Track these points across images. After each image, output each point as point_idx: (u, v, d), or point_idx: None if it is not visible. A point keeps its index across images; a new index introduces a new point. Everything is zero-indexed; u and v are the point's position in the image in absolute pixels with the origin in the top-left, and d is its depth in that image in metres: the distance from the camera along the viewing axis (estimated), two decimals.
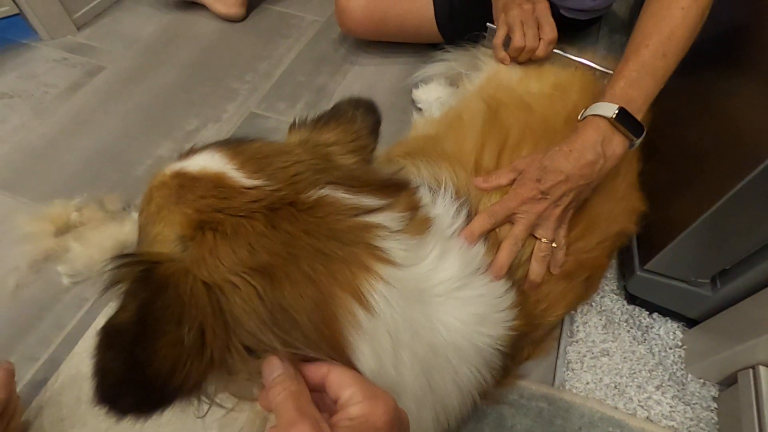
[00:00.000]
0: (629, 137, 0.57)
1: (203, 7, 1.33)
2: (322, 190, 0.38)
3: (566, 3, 1.10)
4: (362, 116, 0.50)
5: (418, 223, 0.43)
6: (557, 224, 0.56)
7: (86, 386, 0.71)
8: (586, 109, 0.59)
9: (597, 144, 0.56)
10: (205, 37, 1.29)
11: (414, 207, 0.44)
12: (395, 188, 0.43)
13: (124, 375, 0.30)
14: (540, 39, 0.83)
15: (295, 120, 0.48)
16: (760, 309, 0.64)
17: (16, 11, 1.16)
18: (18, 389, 0.66)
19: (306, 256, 0.35)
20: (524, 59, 0.84)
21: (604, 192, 0.62)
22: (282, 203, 0.36)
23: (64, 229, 0.85)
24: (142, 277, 0.32)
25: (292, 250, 0.35)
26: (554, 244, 0.57)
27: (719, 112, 0.64)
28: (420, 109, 1.09)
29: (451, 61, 1.02)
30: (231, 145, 0.41)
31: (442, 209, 0.49)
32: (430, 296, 0.41)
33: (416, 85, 1.10)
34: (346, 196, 0.39)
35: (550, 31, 0.84)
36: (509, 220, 0.55)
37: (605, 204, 0.63)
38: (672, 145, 0.73)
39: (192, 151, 0.42)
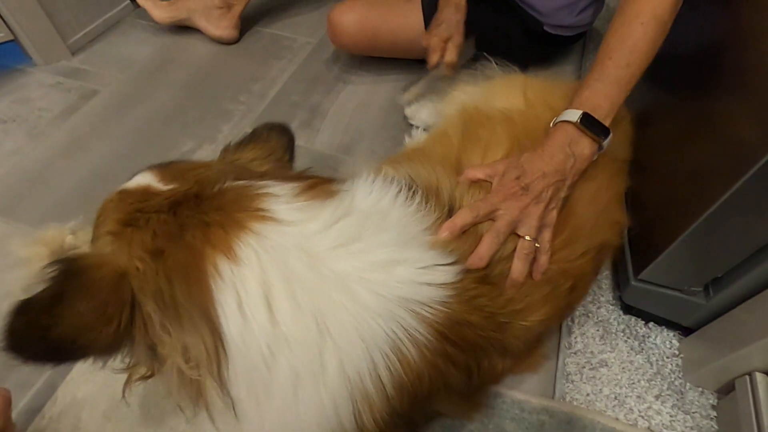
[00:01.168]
0: (596, 139, 0.61)
1: (197, 30, 1.35)
2: (226, 183, 0.45)
3: (549, 20, 1.14)
4: (276, 136, 0.57)
5: (318, 192, 0.47)
6: (540, 222, 0.57)
7: (83, 413, 0.70)
8: (556, 117, 0.64)
9: (565, 145, 0.60)
10: (199, 60, 1.31)
11: (321, 183, 0.49)
12: (302, 179, 0.49)
13: (27, 333, 0.37)
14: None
15: (226, 145, 0.57)
16: (753, 316, 0.65)
17: (11, 37, 1.17)
18: (13, 417, 0.65)
19: (191, 229, 0.41)
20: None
21: (587, 203, 0.64)
22: (187, 197, 0.43)
23: (59, 253, 0.85)
24: (64, 268, 0.39)
25: (183, 228, 0.41)
26: (537, 244, 0.57)
27: (706, 127, 0.66)
28: (413, 126, 1.11)
29: (443, 77, 1.04)
30: (161, 165, 0.49)
31: (372, 188, 0.52)
32: (319, 248, 0.43)
33: (408, 103, 1.12)
34: (247, 183, 0.45)
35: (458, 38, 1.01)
36: (491, 217, 0.56)
37: (588, 215, 0.63)
38: (662, 159, 0.74)
39: (136, 173, 0.50)
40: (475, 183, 0.59)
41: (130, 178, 0.49)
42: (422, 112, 1.09)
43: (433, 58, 1.00)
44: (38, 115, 1.13)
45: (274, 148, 0.56)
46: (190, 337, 0.40)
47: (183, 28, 1.36)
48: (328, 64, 1.31)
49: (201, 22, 1.32)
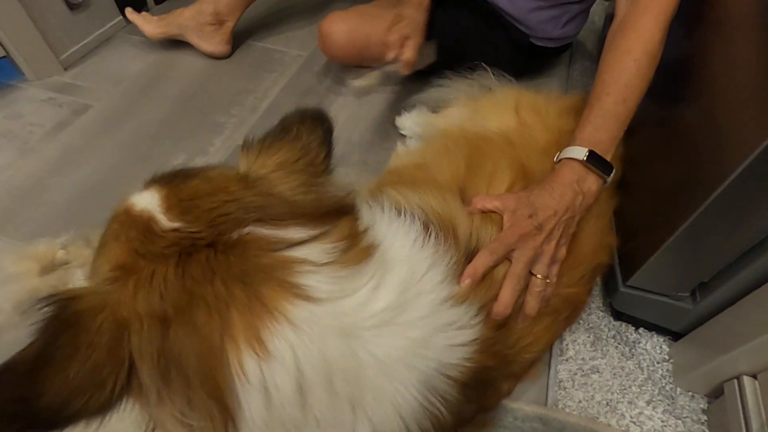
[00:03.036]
0: (601, 176, 0.62)
1: (188, 44, 1.37)
2: (246, 229, 0.38)
3: (536, 33, 1.16)
4: (308, 130, 0.49)
5: (357, 253, 0.42)
6: (551, 260, 0.59)
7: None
8: (560, 152, 0.65)
9: (573, 183, 0.61)
10: (191, 74, 1.32)
11: (354, 234, 0.43)
12: (335, 214, 0.43)
13: (6, 408, 0.32)
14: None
15: (245, 140, 0.48)
16: (739, 320, 0.66)
17: (3, 54, 1.18)
18: None
19: (204, 306, 0.35)
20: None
21: (586, 230, 0.65)
22: (199, 246, 0.37)
23: (50, 268, 0.85)
24: (56, 314, 0.34)
25: (193, 298, 0.35)
26: (548, 280, 0.59)
27: (684, 138, 0.68)
28: (404, 136, 1.12)
29: (437, 87, 1.06)
30: (172, 183, 0.42)
31: (396, 233, 0.47)
32: (359, 329, 0.39)
33: (399, 113, 1.13)
34: (272, 231, 0.39)
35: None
36: (507, 257, 0.56)
37: (587, 241, 0.65)
38: (645, 168, 0.76)
39: (150, 182, 0.44)
40: (486, 215, 0.59)
41: (146, 185, 0.43)
42: (414, 123, 1.10)
43: (390, 54, 0.95)
44: (30, 130, 1.13)
45: (306, 148, 0.47)
46: (195, 415, 0.36)
47: (174, 42, 1.38)
48: (320, 76, 1.32)
49: (193, 39, 1.33)
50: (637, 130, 0.67)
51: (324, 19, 1.19)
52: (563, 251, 0.61)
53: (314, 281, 0.38)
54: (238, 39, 1.41)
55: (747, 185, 0.55)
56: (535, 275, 0.57)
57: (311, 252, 0.39)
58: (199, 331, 0.35)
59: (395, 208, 0.51)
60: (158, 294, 0.35)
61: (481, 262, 0.53)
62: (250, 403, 0.35)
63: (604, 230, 0.70)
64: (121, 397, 0.35)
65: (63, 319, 0.34)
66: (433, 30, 1.10)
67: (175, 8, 1.35)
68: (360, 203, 0.49)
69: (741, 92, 0.59)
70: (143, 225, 0.38)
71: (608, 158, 0.63)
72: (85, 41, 1.34)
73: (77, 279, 0.81)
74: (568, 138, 0.72)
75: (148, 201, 0.40)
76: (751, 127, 0.54)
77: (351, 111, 1.22)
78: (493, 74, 1.05)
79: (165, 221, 0.38)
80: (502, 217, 0.59)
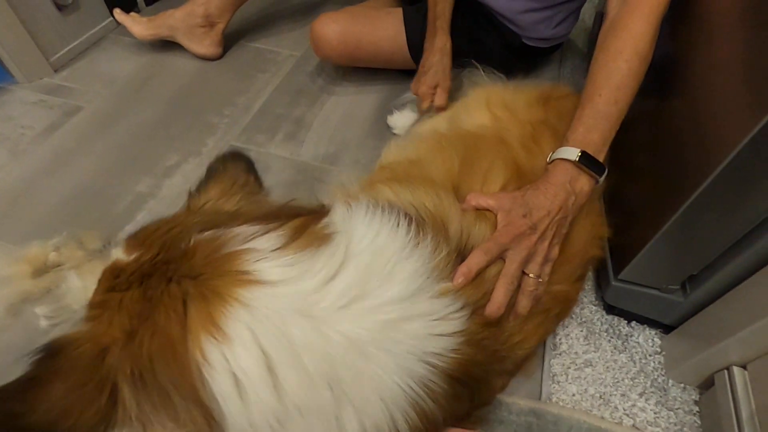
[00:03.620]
0: (593, 176, 0.63)
1: (179, 46, 1.36)
2: (192, 239, 0.41)
3: (528, 33, 1.17)
4: (231, 164, 0.55)
5: (308, 238, 0.43)
6: (544, 260, 0.59)
7: None
8: (553, 152, 0.65)
9: (566, 183, 0.61)
10: (182, 75, 1.31)
11: (304, 225, 0.44)
12: (285, 216, 0.45)
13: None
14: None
15: (189, 191, 0.54)
16: (728, 311, 0.67)
17: None
18: None
19: (162, 306, 0.38)
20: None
21: (578, 226, 0.66)
22: (155, 265, 0.40)
23: (42, 271, 0.84)
24: (44, 349, 0.38)
25: (152, 304, 0.38)
26: (540, 279, 0.59)
27: (670, 135, 0.69)
28: (396, 135, 1.13)
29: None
30: (133, 235, 0.46)
31: (363, 224, 0.48)
32: (321, 309, 0.40)
33: (391, 112, 1.14)
34: (217, 234, 0.42)
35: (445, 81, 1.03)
36: (501, 256, 0.57)
37: (579, 237, 0.66)
38: (635, 162, 0.77)
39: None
40: (479, 213, 0.59)
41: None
42: (405, 121, 1.11)
43: (424, 105, 1.02)
44: (21, 132, 1.12)
45: (235, 176, 0.53)
46: (178, 423, 0.37)
47: (165, 43, 1.37)
48: (312, 76, 1.32)
49: (184, 41, 1.33)
50: (625, 126, 0.67)
51: (316, 20, 1.19)
52: (556, 251, 0.61)
53: (263, 266, 0.39)
54: (230, 40, 1.40)
55: (732, 179, 0.56)
56: (528, 275, 0.58)
57: (258, 242, 0.41)
58: (161, 330, 0.37)
59: (371, 204, 0.51)
60: (127, 314, 0.38)
61: (474, 262, 0.53)
62: (224, 395, 0.36)
63: (595, 224, 0.70)
64: (109, 416, 0.37)
65: (49, 351, 0.37)
66: (425, 32, 1.11)
67: (166, 9, 1.35)
68: (331, 204, 0.52)
69: (723, 89, 0.60)
70: (110, 268, 0.42)
71: (600, 158, 0.64)
72: (75, 43, 1.33)
73: (70, 281, 0.81)
74: (542, 129, 0.73)
75: (114, 254, 0.44)
76: (733, 123, 0.55)
77: (344, 110, 1.23)
78: (484, 71, 1.06)
79: (125, 257, 0.42)
80: (495, 216, 0.59)
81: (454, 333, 0.47)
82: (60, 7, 1.26)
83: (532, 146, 0.69)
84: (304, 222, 0.44)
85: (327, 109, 1.22)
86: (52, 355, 0.37)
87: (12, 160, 1.06)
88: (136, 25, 1.31)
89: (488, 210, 0.60)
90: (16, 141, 1.11)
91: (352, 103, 1.25)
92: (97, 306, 0.41)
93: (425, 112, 1.03)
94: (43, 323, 0.79)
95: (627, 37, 0.67)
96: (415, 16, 1.15)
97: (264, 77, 1.32)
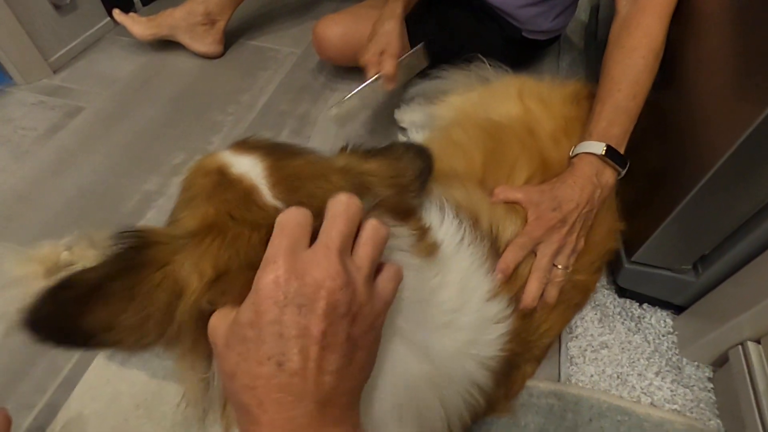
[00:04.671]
0: (617, 169, 0.65)
1: (179, 45, 1.36)
2: None
3: (527, 26, 1.19)
4: (410, 158, 0.49)
5: (426, 246, 0.43)
6: (572, 252, 0.61)
7: (89, 428, 0.68)
8: (575, 147, 0.67)
9: (593, 176, 0.63)
10: (184, 74, 1.31)
11: (423, 230, 0.44)
12: (406, 214, 0.44)
13: (48, 317, 0.32)
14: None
15: (346, 145, 0.47)
16: (740, 288, 0.69)
17: None
18: None
19: None
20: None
21: (597, 219, 0.67)
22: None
23: (55, 270, 0.83)
24: (127, 250, 0.33)
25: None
26: (567, 270, 0.61)
27: (679, 120, 0.71)
28: (403, 129, 1.13)
29: (434, 80, 1.07)
30: (276, 156, 0.40)
31: (447, 232, 0.49)
32: (427, 325, 0.41)
33: (398, 106, 1.15)
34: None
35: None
36: (533, 250, 0.58)
37: (595, 229, 0.67)
38: (645, 149, 0.78)
39: (244, 146, 0.41)
40: (508, 206, 0.60)
41: (237, 149, 0.41)
42: (413, 115, 1.12)
43: (370, 73, 0.93)
44: (22, 134, 1.11)
45: (403, 171, 0.47)
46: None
47: (164, 43, 1.36)
48: (314, 73, 1.33)
49: (185, 39, 1.32)
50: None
51: (318, 22, 1.19)
52: (582, 242, 0.63)
53: (398, 258, 0.38)
54: (229, 38, 1.40)
55: (741, 161, 0.58)
56: (557, 266, 0.60)
57: (400, 240, 0.40)
58: None
59: (439, 205, 0.51)
60: (234, 251, 0.34)
61: (512, 257, 0.55)
62: None
63: (611, 217, 0.71)
64: (157, 345, 0.34)
65: (131, 259, 0.33)
66: (427, 28, 1.12)
67: (162, 9, 1.34)
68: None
69: (731, 77, 0.61)
70: (243, 192, 0.36)
71: (621, 151, 0.66)
72: (73, 43, 1.32)
73: None
74: (574, 125, 0.74)
75: (249, 168, 0.38)
76: (740, 111, 0.57)
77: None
78: (490, 65, 1.07)
79: (269, 196, 0.36)
80: (523, 209, 0.60)
81: (505, 333, 0.49)
82: (57, 7, 1.24)
83: (562, 139, 0.70)
84: (420, 227, 0.43)
85: (331, 105, 1.23)
86: (130, 271, 0.33)
87: (14, 162, 1.05)
88: (136, 25, 1.30)
89: (516, 203, 0.61)
90: (17, 143, 1.09)
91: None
92: (208, 227, 0.34)
93: (372, 80, 0.93)
94: None
95: (641, 35, 0.69)
96: (415, 14, 1.16)
97: (266, 75, 1.32)
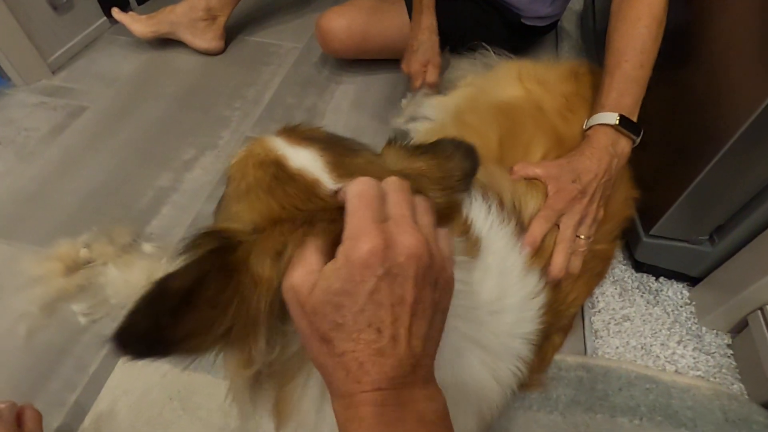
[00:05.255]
0: (632, 138, 0.66)
1: (179, 43, 1.34)
2: None
3: (526, 13, 1.21)
4: (460, 158, 0.47)
5: (471, 245, 0.45)
6: (593, 221, 0.63)
7: (123, 423, 0.68)
8: (589, 119, 0.68)
9: (608, 146, 0.64)
10: (186, 71, 1.30)
11: (466, 229, 0.46)
12: (452, 212, 0.45)
13: (144, 332, 0.31)
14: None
15: (391, 138, 0.46)
16: (757, 255, 0.71)
17: None
18: None
19: None
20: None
21: (611, 193, 0.69)
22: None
23: (74, 268, 0.82)
24: (214, 254, 0.32)
25: None
26: (589, 239, 0.62)
27: (694, 95, 0.73)
28: (409, 118, 1.14)
29: (443, 69, 1.08)
30: (336, 151, 0.39)
31: (482, 219, 0.50)
32: (477, 318, 0.43)
33: (405, 95, 1.15)
34: None
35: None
36: (557, 222, 0.60)
37: (612, 198, 0.68)
38: (661, 125, 0.80)
39: (297, 136, 0.40)
40: (529, 182, 0.61)
41: (289, 136, 0.40)
42: (418, 104, 1.12)
43: (417, 83, 1.02)
44: (26, 135, 1.09)
45: (452, 172, 0.46)
46: None
47: (163, 41, 1.35)
48: (318, 66, 1.33)
49: (186, 36, 1.31)
50: (651, 89, 0.71)
51: (322, 15, 1.20)
52: (602, 212, 0.64)
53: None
54: (229, 35, 1.39)
55: (757, 131, 0.60)
56: (579, 236, 0.61)
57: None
58: None
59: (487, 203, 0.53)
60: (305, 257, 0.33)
61: (538, 230, 0.56)
62: None
63: (626, 185, 0.74)
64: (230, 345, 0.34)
65: (217, 263, 0.32)
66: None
67: (156, 7, 1.33)
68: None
69: (733, 55, 0.64)
70: (306, 186, 0.36)
71: (634, 120, 0.67)
72: (71, 43, 1.30)
73: (109, 273, 0.79)
74: (576, 100, 0.76)
75: (310, 163, 0.37)
76: (755, 85, 0.59)
77: (353, 98, 1.24)
78: (494, 53, 1.09)
79: (330, 186, 0.36)
80: (543, 184, 0.62)
81: (543, 305, 0.51)
82: (54, 7, 1.22)
83: (569, 115, 0.71)
84: (464, 226, 0.45)
85: (337, 98, 1.23)
86: (218, 275, 0.32)
87: (20, 163, 1.03)
88: (136, 23, 1.29)
89: (536, 179, 0.62)
90: (21, 144, 1.07)
91: (361, 90, 1.26)
92: (274, 222, 0.34)
93: (417, 90, 1.03)
94: (82, 320, 0.77)
95: (642, 5, 0.70)
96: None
97: (269, 69, 1.31)
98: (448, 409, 0.31)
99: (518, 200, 0.59)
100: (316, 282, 0.30)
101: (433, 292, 0.31)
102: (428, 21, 1.03)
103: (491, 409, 0.48)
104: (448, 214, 0.42)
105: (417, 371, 0.30)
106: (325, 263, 0.31)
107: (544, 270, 0.56)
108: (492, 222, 0.51)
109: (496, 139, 0.70)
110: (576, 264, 0.60)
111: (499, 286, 0.47)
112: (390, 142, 0.46)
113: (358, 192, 0.31)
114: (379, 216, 0.30)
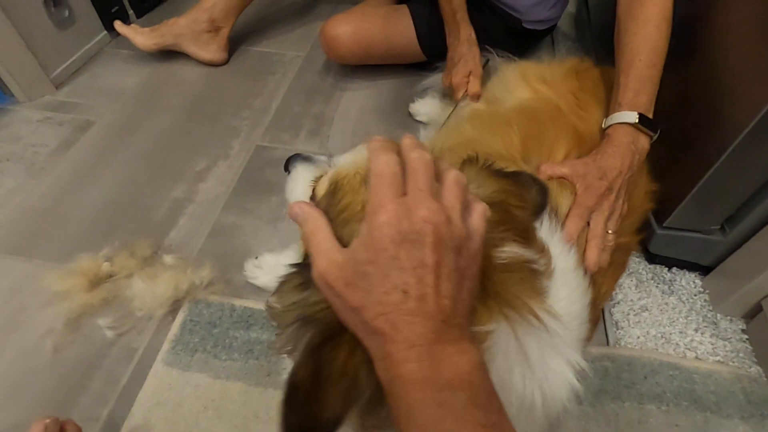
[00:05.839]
0: (650, 135, 0.69)
1: (182, 55, 1.35)
2: (507, 248, 0.40)
3: (528, 17, 1.24)
4: (535, 193, 0.50)
5: (549, 263, 0.46)
6: (620, 216, 0.65)
7: None
8: (607, 118, 0.71)
9: (630, 144, 0.67)
10: (192, 83, 1.30)
11: (543, 250, 0.46)
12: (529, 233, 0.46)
13: (301, 426, 0.34)
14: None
15: (474, 156, 0.48)
16: (766, 242, 0.74)
17: None
18: None
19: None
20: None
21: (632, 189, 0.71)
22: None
23: (97, 282, 0.82)
24: (314, 337, 0.35)
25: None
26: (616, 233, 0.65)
27: (705, 90, 0.76)
28: (420, 122, 1.16)
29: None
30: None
31: (546, 233, 0.52)
32: (554, 336, 0.43)
33: (412, 99, 1.17)
34: (529, 261, 0.42)
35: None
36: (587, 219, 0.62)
37: (634, 193, 0.71)
38: (676, 121, 0.82)
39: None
40: (559, 182, 0.63)
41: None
42: (428, 108, 1.15)
43: (459, 95, 1.02)
44: (33, 151, 1.08)
45: (526, 203, 0.47)
46: None
47: (166, 54, 1.35)
48: (322, 74, 1.34)
49: (190, 48, 1.32)
50: (663, 85, 0.73)
51: (326, 22, 1.21)
52: (626, 207, 0.67)
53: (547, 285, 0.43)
54: (232, 46, 1.40)
55: (765, 128, 0.63)
56: (608, 231, 0.63)
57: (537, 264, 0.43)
58: None
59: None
60: None
61: (574, 228, 0.58)
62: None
63: (646, 180, 0.76)
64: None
65: (321, 338, 0.35)
66: (435, 23, 1.16)
67: (156, 21, 1.34)
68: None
69: (743, 49, 0.67)
70: None
71: (650, 116, 0.70)
72: (73, 58, 1.29)
73: (134, 286, 0.79)
74: (583, 97, 0.78)
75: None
76: (760, 82, 0.62)
77: (360, 104, 1.25)
78: (498, 55, 1.12)
79: None
80: (570, 182, 0.64)
81: (590, 302, 0.52)
82: (56, 22, 1.22)
83: (582, 113, 0.74)
84: (542, 248, 0.46)
85: (344, 104, 1.25)
86: (326, 345, 0.35)
87: (31, 179, 1.02)
88: (139, 36, 1.29)
89: (563, 177, 0.64)
90: (30, 160, 1.06)
91: (367, 96, 1.27)
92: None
93: (461, 100, 1.04)
94: (109, 333, 0.77)
95: (652, 5, 0.73)
96: (423, 11, 1.20)
97: (274, 79, 1.32)
98: (484, 360, 0.33)
99: (554, 200, 0.61)
100: (342, 260, 0.33)
101: (456, 258, 0.32)
102: (467, 32, 1.06)
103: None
104: (526, 231, 0.44)
105: (449, 329, 0.32)
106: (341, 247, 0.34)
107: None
108: (549, 228, 0.53)
109: (519, 141, 0.72)
110: (605, 258, 0.62)
111: (567, 294, 0.48)
112: (470, 160, 0.47)
113: (377, 171, 0.34)
114: (398, 191, 0.33)
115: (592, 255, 0.59)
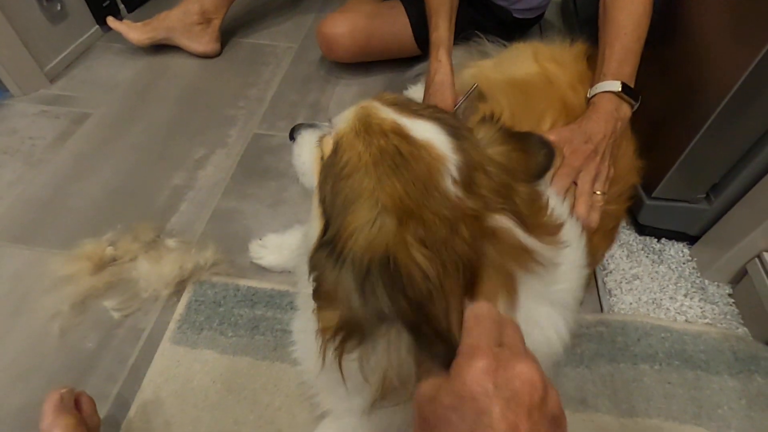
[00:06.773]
0: (632, 103, 0.73)
1: (174, 48, 1.36)
2: (500, 217, 0.40)
3: (517, 5, 1.27)
4: (543, 157, 0.50)
5: (558, 241, 0.47)
6: (606, 178, 0.68)
7: (171, 408, 0.69)
8: (591, 88, 0.74)
9: (613, 111, 0.70)
10: (186, 75, 1.31)
11: (556, 230, 0.47)
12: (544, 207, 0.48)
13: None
14: None
15: (487, 115, 0.48)
16: (751, 207, 0.78)
17: None
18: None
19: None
20: None
21: (621, 153, 0.74)
22: (469, 217, 0.38)
23: (101, 266, 0.83)
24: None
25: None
26: (605, 195, 0.67)
27: (686, 66, 0.79)
28: None
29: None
30: (454, 132, 0.41)
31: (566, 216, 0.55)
32: (555, 300, 0.46)
33: (406, 87, 1.20)
34: (518, 230, 0.41)
35: None
36: (575, 178, 0.65)
37: (620, 162, 0.74)
38: (655, 94, 0.86)
39: (408, 108, 0.42)
40: None
41: (404, 109, 0.41)
42: (421, 94, 1.17)
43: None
44: (31, 143, 1.09)
45: (529, 171, 0.47)
46: None
47: (158, 47, 1.36)
48: (315, 64, 1.36)
49: (182, 40, 1.33)
50: (646, 62, 0.77)
51: (322, 23, 1.22)
52: (612, 170, 0.70)
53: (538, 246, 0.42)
54: (224, 38, 1.41)
55: (747, 92, 0.67)
56: (596, 192, 0.66)
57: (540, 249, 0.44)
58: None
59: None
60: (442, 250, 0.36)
61: (561, 184, 0.62)
62: None
63: (632, 155, 0.79)
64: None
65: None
66: (424, 17, 1.18)
67: (146, 15, 1.35)
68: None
69: (717, 27, 0.71)
70: (427, 176, 0.38)
71: (632, 86, 0.73)
72: (66, 52, 1.30)
73: (140, 268, 0.80)
74: (586, 76, 0.81)
75: (433, 141, 0.40)
76: (735, 58, 0.66)
77: (355, 92, 1.27)
78: (488, 40, 1.14)
79: (452, 185, 0.39)
80: (559, 148, 0.66)
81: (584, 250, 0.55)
82: (49, 16, 1.22)
83: (578, 87, 0.77)
84: (559, 227, 0.48)
85: (339, 92, 1.26)
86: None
87: (30, 171, 1.03)
88: (132, 31, 1.30)
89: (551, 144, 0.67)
90: (28, 152, 1.07)
91: (361, 84, 1.29)
92: (404, 212, 0.36)
93: (466, 94, 0.96)
94: (115, 315, 0.78)
95: None
96: (417, 6, 1.22)
97: (268, 69, 1.34)
98: None
99: None
100: (435, 394, 0.30)
101: (551, 427, 0.28)
102: (441, 57, 0.96)
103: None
104: (534, 200, 0.45)
105: None
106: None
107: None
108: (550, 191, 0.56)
109: (509, 111, 0.75)
110: (595, 218, 0.64)
111: (574, 254, 0.51)
112: (484, 119, 0.48)
113: (478, 313, 0.33)
114: (495, 340, 0.31)
115: (581, 209, 0.62)
